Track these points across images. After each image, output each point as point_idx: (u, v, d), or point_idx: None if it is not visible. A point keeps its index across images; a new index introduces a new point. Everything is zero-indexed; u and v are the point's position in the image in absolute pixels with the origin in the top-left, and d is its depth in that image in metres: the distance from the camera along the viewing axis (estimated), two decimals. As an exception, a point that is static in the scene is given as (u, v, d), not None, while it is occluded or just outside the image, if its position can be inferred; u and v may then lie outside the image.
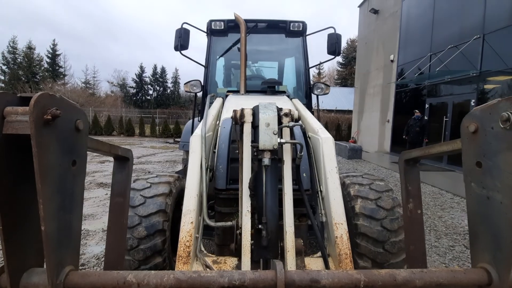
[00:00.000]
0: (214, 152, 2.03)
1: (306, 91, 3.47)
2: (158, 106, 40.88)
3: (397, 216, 2.03)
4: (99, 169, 7.21)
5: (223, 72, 3.98)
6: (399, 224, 2.00)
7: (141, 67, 49.67)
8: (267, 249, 1.28)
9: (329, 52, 3.32)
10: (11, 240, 0.77)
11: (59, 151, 0.79)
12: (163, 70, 50.97)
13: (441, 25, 8.54)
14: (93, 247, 3.03)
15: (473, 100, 7.21)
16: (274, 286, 0.80)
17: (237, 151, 1.62)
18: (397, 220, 2.01)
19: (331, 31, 3.31)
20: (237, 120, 1.47)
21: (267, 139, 1.29)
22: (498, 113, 0.82)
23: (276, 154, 1.34)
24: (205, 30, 3.53)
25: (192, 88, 3.18)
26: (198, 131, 1.96)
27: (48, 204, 0.75)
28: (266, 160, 1.29)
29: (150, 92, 51.20)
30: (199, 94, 3.52)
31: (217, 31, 3.45)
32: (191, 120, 4.51)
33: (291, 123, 1.40)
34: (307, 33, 3.52)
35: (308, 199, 1.61)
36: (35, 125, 0.70)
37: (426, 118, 9.21)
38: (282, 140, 1.34)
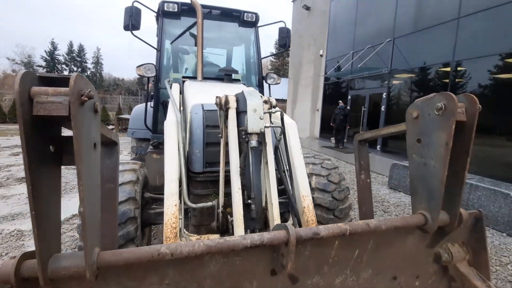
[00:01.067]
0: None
1: (258, 80, 3.67)
2: (76, 89, 35.49)
3: (343, 188, 2.45)
4: (14, 162, 6.03)
5: (174, 57, 3.84)
6: (345, 194, 2.43)
7: (53, 43, 41.97)
8: (255, 220, 1.46)
9: (280, 45, 3.57)
10: (41, 226, 0.75)
11: (87, 133, 0.79)
12: (81, 48, 44.10)
13: (362, 26, 9.82)
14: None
15: (384, 94, 8.65)
16: (287, 241, 0.99)
17: (219, 135, 1.71)
18: (343, 191, 2.44)
19: (282, 25, 3.55)
20: (222, 106, 1.56)
21: (255, 124, 1.43)
22: (434, 103, 1.16)
23: (262, 137, 1.50)
24: (156, 11, 3.33)
25: (146, 71, 3.01)
26: (172, 117, 1.96)
27: (86, 186, 0.76)
28: (253, 142, 1.45)
29: (65, 73, 43.89)
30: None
31: (170, 13, 3.31)
32: (139, 106, 4.23)
33: (273, 109, 1.57)
34: (259, 24, 3.68)
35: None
36: (75, 107, 0.70)
37: (348, 108, 10.60)
38: (267, 124, 1.50)
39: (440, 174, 1.16)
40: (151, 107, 3.33)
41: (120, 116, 14.65)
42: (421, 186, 1.27)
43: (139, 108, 4.08)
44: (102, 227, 1.28)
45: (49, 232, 0.80)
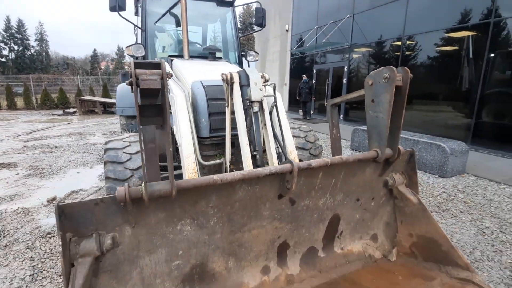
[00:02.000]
0: None
1: (238, 57, 4.01)
2: (20, 71, 31.68)
3: (318, 146, 3.04)
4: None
5: (156, 36, 3.98)
6: (319, 150, 3.02)
7: (-16, 19, 36.19)
8: (259, 166, 1.95)
9: (257, 24, 3.90)
10: (148, 161, 1.16)
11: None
12: (20, 24, 38.76)
13: (325, 2, 10.25)
14: (48, 219, 2.93)
15: (346, 67, 9.40)
16: (291, 170, 1.49)
17: (226, 105, 2.12)
18: (318, 148, 3.02)
19: (258, 5, 3.87)
20: (228, 81, 1.96)
21: (257, 94, 1.88)
22: (382, 74, 1.70)
23: (261, 104, 1.95)
24: None
25: (136, 51, 3.20)
26: (179, 92, 2.31)
27: (169, 134, 1.17)
28: (255, 108, 1.90)
29: (5, 52, 38.58)
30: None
31: None
32: (123, 85, 4.34)
33: (268, 83, 2.01)
34: (236, 4, 3.95)
35: None
36: (164, 82, 1.10)
37: (313, 81, 11.27)
38: (265, 94, 1.95)
39: (385, 122, 1.74)
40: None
41: (82, 98, 13.83)
42: (374, 132, 1.85)
43: (123, 87, 4.21)
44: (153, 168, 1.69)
45: (152, 166, 1.21)
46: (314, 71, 11.32)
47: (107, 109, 14.13)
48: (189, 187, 1.30)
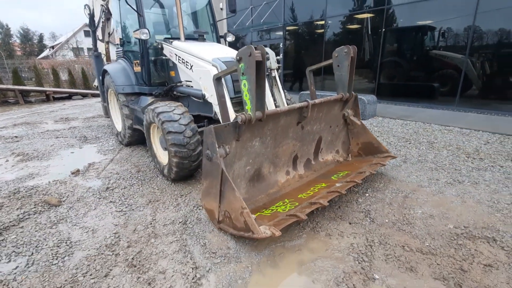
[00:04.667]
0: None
1: (217, 38, 4.89)
2: None
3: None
4: None
5: (149, 20, 4.44)
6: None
7: None
8: None
9: (231, 11, 4.80)
10: (256, 98, 2.23)
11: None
12: None
13: (256, -17, 11.26)
14: (92, 182, 3.43)
15: (281, 44, 10.88)
16: (308, 105, 2.75)
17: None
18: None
19: (230, -6, 4.75)
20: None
21: (274, 64, 3.01)
22: (343, 50, 3.07)
23: (274, 71, 3.10)
24: None
25: (142, 35, 3.79)
26: (210, 66, 3.21)
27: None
28: (273, 73, 3.04)
29: None
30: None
31: None
32: (113, 65, 4.70)
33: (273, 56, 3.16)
34: (211, -7, 4.75)
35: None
36: (264, 59, 2.18)
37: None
38: (276, 64, 3.10)
39: (346, 78, 3.15)
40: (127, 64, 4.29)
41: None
42: (340, 84, 3.25)
43: (114, 67, 4.60)
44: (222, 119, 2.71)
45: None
46: (252, 48, 12.49)
47: (24, 98, 12.42)
48: (268, 114, 2.42)
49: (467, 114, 6.22)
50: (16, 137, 5.90)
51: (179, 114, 3.18)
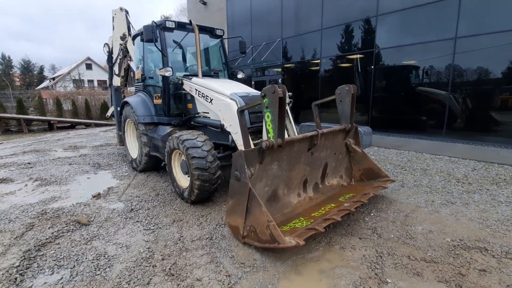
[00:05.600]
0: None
1: (228, 75, 5.46)
2: None
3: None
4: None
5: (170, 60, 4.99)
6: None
7: None
8: None
9: (241, 52, 5.44)
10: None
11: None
12: None
13: (257, 26, 12.41)
14: (114, 205, 3.65)
15: (280, 80, 11.73)
16: (317, 134, 3.17)
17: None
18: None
19: (240, 39, 5.42)
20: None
21: (288, 99, 3.48)
22: (345, 87, 3.60)
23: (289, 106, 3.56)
24: (152, 28, 4.37)
25: (166, 72, 4.29)
26: (229, 100, 3.67)
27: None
28: (286, 106, 3.50)
29: None
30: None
31: (169, 28, 4.58)
32: (132, 98, 5.14)
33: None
34: (224, 37, 5.41)
35: None
36: (285, 94, 2.64)
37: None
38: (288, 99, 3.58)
39: (348, 111, 3.64)
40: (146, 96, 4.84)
41: (1, 115, 12.05)
42: (342, 117, 3.74)
43: (135, 99, 5.04)
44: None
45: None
46: (253, 83, 13.34)
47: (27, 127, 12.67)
48: (286, 141, 2.83)
49: (454, 144, 6.79)
50: (29, 163, 6.11)
51: (201, 141, 3.55)
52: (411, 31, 7.67)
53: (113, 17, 6.63)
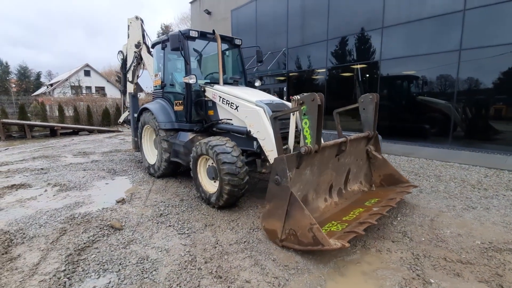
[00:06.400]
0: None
1: (245, 83, 5.58)
2: None
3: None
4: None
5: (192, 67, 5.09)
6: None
7: None
8: None
9: (258, 61, 5.58)
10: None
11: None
12: None
13: (262, 36, 12.67)
14: (141, 211, 3.69)
15: (285, 88, 11.93)
16: (346, 140, 3.29)
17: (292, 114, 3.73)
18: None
19: (258, 48, 5.58)
20: (297, 101, 3.60)
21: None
22: (368, 96, 3.75)
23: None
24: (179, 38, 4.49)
25: (190, 79, 4.39)
26: (255, 107, 3.77)
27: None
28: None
29: None
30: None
31: (191, 37, 4.71)
32: (152, 104, 5.20)
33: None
34: (242, 46, 5.55)
35: None
36: (322, 101, 2.76)
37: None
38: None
39: (371, 119, 3.78)
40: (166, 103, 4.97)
41: (5, 120, 11.94)
42: (366, 124, 3.87)
43: (155, 106, 5.11)
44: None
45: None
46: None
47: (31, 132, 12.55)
48: (322, 146, 2.93)
49: (460, 152, 6.99)
50: (42, 169, 6.08)
51: (230, 147, 3.63)
52: (416, 43, 7.96)
53: (128, 26, 6.75)
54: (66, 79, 33.42)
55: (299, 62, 11.31)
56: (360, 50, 9.24)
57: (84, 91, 33.19)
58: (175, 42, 4.28)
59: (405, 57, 8.13)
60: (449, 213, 3.50)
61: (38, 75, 42.27)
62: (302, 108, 2.81)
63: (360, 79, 9.27)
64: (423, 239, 2.89)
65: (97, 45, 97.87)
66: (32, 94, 33.92)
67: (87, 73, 36.77)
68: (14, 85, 38.22)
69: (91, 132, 13.66)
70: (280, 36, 11.69)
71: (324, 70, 10.33)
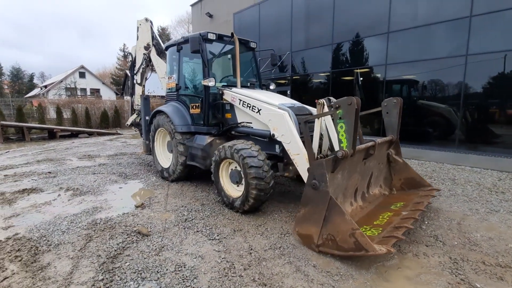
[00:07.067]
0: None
1: (260, 86, 5.56)
2: None
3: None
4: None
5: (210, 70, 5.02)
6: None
7: None
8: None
9: (273, 64, 5.58)
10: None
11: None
12: None
13: (265, 40, 12.69)
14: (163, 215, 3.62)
15: (288, 91, 11.96)
16: (375, 144, 3.29)
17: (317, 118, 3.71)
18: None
19: (272, 52, 5.57)
20: (323, 104, 3.59)
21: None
22: (392, 100, 3.77)
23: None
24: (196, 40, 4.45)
25: (210, 82, 4.35)
26: (279, 111, 3.74)
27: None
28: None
29: None
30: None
31: (209, 40, 4.67)
32: (168, 107, 5.12)
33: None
34: (256, 49, 5.54)
35: None
36: (358, 106, 2.76)
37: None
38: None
39: (395, 123, 3.80)
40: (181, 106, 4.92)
41: (3, 122, 11.62)
42: (389, 128, 3.88)
43: (170, 109, 5.03)
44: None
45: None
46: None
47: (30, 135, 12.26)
48: (348, 155, 2.92)
49: (468, 155, 7.09)
50: (49, 172, 5.92)
51: (256, 151, 3.60)
52: (423, 48, 8.08)
53: (137, 27, 6.67)
54: (61, 81, 32.86)
55: (303, 66, 11.36)
56: (367, 54, 9.34)
57: (79, 93, 32.68)
58: (196, 45, 4.24)
59: (415, 62, 8.25)
60: (474, 217, 3.53)
61: (31, 77, 41.48)
62: (338, 112, 2.80)
63: (365, 83, 9.37)
64: (455, 243, 2.90)
65: (90, 47, 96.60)
66: (25, 96, 33.24)
67: (82, 75, 36.22)
68: (6, 87, 37.40)
69: (90, 134, 13.43)
70: (284, 39, 11.74)
71: (329, 74, 10.40)
